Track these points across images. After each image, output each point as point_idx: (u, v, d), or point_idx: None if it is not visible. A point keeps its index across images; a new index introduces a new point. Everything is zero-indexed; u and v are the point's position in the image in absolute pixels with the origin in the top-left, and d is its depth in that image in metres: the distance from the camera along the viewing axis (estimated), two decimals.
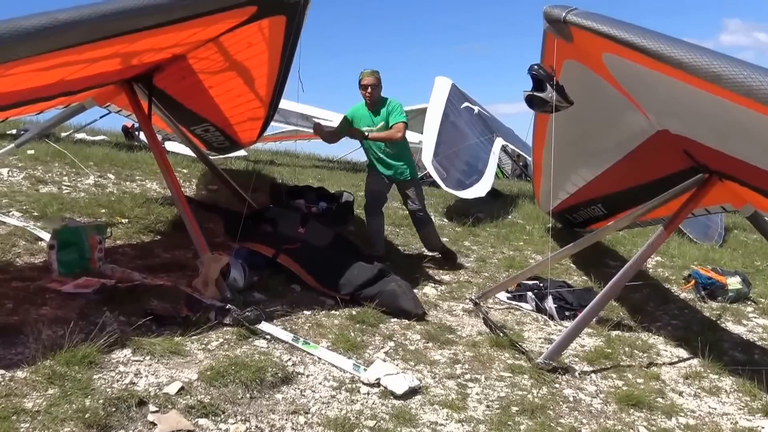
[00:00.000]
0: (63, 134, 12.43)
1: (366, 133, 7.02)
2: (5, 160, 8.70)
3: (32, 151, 9.53)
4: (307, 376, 4.30)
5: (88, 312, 4.75)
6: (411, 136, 9.51)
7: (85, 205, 7.64)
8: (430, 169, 10.66)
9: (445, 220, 10.14)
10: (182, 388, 3.79)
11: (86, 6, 3.74)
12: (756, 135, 3.92)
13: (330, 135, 7.50)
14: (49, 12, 3.59)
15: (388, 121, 7.07)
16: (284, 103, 10.97)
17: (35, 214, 7.02)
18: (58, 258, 5.50)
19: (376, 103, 7.05)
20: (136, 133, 14.01)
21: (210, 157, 9.29)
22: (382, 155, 7.21)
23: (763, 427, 4.37)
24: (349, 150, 18.96)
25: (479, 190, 11.04)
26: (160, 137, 9.57)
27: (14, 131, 12.22)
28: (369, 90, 6.93)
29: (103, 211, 7.56)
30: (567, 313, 6.25)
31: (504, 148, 16.23)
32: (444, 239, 8.82)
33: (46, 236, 6.09)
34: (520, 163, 18.30)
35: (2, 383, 3.59)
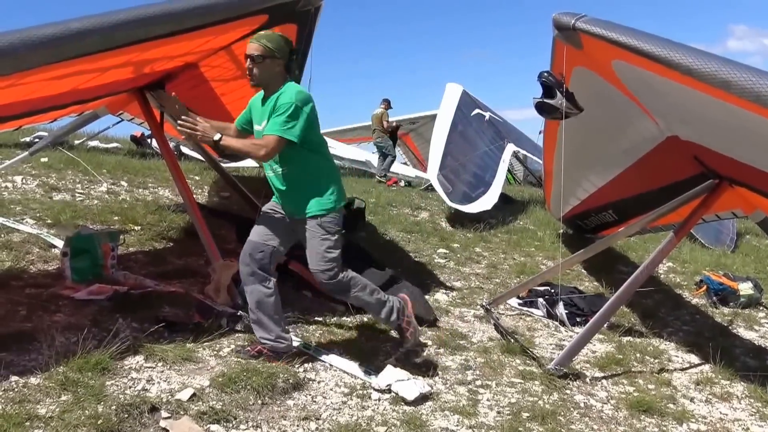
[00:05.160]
0: (76, 142, 12.55)
1: (218, 136, 4.19)
2: (19, 167, 8.77)
3: (46, 159, 9.62)
4: (318, 382, 4.31)
5: (100, 319, 4.80)
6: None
7: (98, 212, 7.69)
8: (435, 184, 10.71)
9: (457, 226, 10.12)
10: (194, 395, 3.82)
11: (99, 15, 3.78)
12: (765, 141, 3.91)
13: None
14: (62, 21, 3.63)
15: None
16: None
17: (48, 221, 7.07)
18: (71, 265, 5.54)
19: (269, 89, 4.36)
20: (148, 140, 14.10)
21: (222, 164, 9.34)
22: (272, 173, 4.49)
23: None
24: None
25: (485, 203, 11.04)
26: (172, 144, 9.62)
27: (28, 139, 12.34)
28: (248, 64, 4.31)
29: (116, 218, 7.61)
30: (578, 319, 6.24)
31: (515, 154, 16.23)
32: (455, 245, 8.85)
33: (60, 243, 6.14)
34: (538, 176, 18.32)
35: (16, 389, 3.63)
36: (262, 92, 4.49)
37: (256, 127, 4.48)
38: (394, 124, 17.16)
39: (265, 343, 4.45)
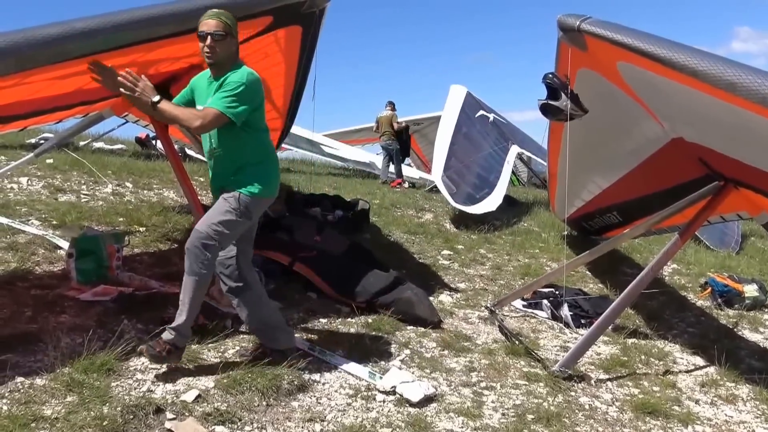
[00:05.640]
0: (81, 143, 12.57)
1: (158, 98, 3.95)
2: (25, 169, 8.81)
3: (51, 160, 9.66)
4: (323, 383, 4.31)
5: (106, 320, 4.81)
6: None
7: (103, 213, 7.71)
8: (440, 185, 10.73)
9: (461, 228, 10.13)
10: (199, 396, 3.82)
11: (103, 15, 3.80)
12: None
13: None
14: (66, 21, 3.65)
15: None
16: (294, 128, 11.09)
17: (54, 222, 7.09)
18: (77, 266, 5.54)
19: (222, 68, 4.11)
20: (153, 142, 14.14)
21: None
22: (208, 154, 4.34)
23: None
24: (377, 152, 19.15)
25: (489, 204, 11.07)
26: (177, 146, 9.63)
27: (33, 141, 12.39)
28: (209, 42, 3.99)
29: (121, 219, 7.63)
30: (583, 321, 6.24)
31: (520, 156, 16.24)
32: (459, 247, 8.85)
33: (65, 245, 6.15)
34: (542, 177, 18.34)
35: (22, 390, 3.63)
36: (206, 72, 4.28)
37: (199, 108, 4.21)
38: (404, 124, 17.11)
39: (269, 345, 4.46)
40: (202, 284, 4.10)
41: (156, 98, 3.93)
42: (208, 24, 4.00)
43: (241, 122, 4.05)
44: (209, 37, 3.99)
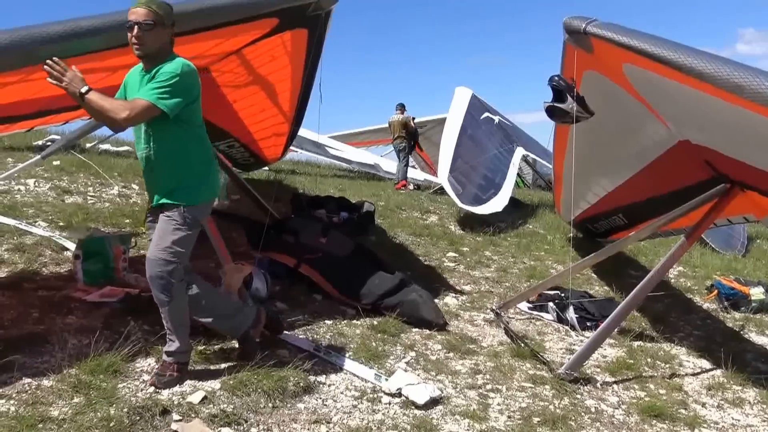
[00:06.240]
0: (88, 145, 12.59)
1: (86, 88, 3.62)
2: (32, 171, 8.83)
3: (58, 162, 9.68)
4: (329, 385, 4.31)
5: (112, 321, 4.81)
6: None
7: (109, 215, 7.73)
8: (446, 185, 10.75)
9: (466, 230, 10.13)
10: (205, 397, 3.82)
11: (107, 14, 3.81)
12: None
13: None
14: (71, 19, 3.67)
15: None
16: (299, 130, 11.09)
17: (61, 224, 7.11)
18: (83, 268, 5.56)
19: (155, 61, 3.84)
20: None
21: (232, 168, 9.35)
22: (142, 153, 4.07)
23: None
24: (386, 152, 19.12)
25: (496, 205, 11.08)
26: None
27: (40, 143, 12.41)
28: (136, 32, 3.71)
29: (128, 221, 7.64)
30: (588, 324, 6.22)
31: (525, 158, 16.22)
32: (464, 249, 8.84)
33: (72, 246, 6.16)
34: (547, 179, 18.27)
35: (29, 391, 3.64)
36: (138, 66, 3.98)
37: None
38: (412, 124, 16.81)
39: (238, 333, 4.46)
40: (178, 309, 4.03)
41: (84, 89, 3.61)
42: (137, 13, 3.73)
43: (174, 116, 3.80)
44: (136, 26, 3.72)
